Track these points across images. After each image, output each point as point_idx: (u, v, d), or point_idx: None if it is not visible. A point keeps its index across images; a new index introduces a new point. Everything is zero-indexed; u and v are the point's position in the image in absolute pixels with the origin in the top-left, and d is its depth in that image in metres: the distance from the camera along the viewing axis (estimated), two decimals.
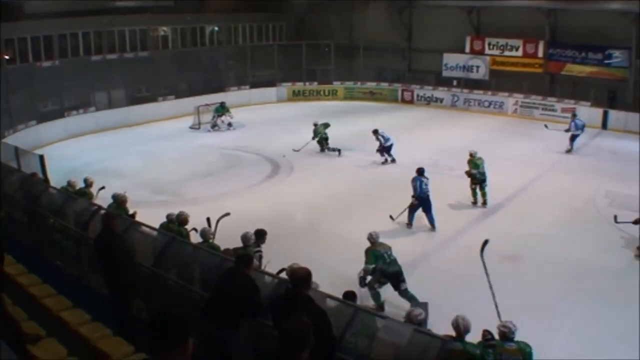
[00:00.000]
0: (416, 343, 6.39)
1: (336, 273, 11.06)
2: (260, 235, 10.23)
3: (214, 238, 10.44)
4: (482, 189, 16.88)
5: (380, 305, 10.64)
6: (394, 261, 10.77)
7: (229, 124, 27.32)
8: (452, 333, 6.84)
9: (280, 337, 4.38)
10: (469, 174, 16.92)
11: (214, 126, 27.20)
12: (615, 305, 11.22)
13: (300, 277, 6.08)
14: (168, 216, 10.90)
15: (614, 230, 15.03)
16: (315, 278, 6.35)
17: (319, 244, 13.51)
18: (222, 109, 27.47)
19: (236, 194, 17.11)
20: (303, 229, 14.98)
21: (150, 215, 10.98)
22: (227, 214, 11.19)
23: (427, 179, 14.98)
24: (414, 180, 15.08)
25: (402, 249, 12.75)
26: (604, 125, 29.12)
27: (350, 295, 8.32)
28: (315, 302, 6.04)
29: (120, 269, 7.79)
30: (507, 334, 7.10)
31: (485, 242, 9.52)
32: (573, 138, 23.30)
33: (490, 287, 8.83)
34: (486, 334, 7.04)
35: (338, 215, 15.52)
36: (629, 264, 13.20)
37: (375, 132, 21.47)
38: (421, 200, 14.97)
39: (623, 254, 13.82)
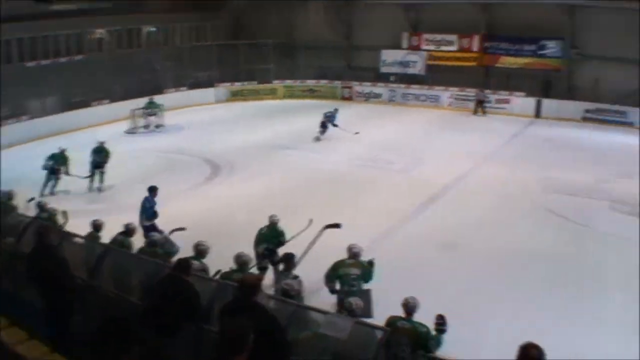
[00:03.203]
0: (358, 335, 6.46)
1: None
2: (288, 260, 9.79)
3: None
4: None
5: None
6: (357, 292, 9.12)
7: (157, 126, 26.91)
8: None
9: (218, 339, 4.39)
10: None
11: (147, 126, 26.72)
12: (551, 288, 11.56)
13: (248, 285, 6.08)
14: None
15: (549, 216, 15.53)
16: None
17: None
18: (151, 105, 26.96)
19: (176, 198, 16.69)
20: (244, 229, 14.76)
21: (87, 226, 10.80)
22: (183, 229, 11.13)
23: None
24: None
25: (344, 242, 12.90)
26: (537, 114, 29.89)
27: (289, 257, 9.14)
28: (266, 308, 6.06)
29: (57, 283, 7.68)
30: (407, 308, 7.33)
31: (336, 225, 9.95)
32: None
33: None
34: (438, 317, 7.19)
35: (279, 215, 15.41)
36: (564, 248, 13.58)
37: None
38: None
39: (557, 238, 14.20)
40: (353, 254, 9.87)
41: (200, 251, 9.25)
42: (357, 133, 23.45)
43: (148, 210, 12.92)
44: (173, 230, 11.01)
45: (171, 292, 6.78)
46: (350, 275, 9.61)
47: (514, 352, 4.86)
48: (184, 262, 7.23)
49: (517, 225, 15.16)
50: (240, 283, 6.19)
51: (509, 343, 4.94)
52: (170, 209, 14.75)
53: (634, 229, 14.40)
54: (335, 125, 23.81)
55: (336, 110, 24.70)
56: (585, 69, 30.30)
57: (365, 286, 9.52)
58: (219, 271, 8.70)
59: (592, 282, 11.93)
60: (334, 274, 9.68)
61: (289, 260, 9.66)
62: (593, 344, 9.47)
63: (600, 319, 10.41)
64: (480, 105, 30.70)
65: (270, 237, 11.24)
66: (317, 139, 23.63)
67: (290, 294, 7.55)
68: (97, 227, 10.67)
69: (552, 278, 12.04)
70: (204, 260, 9.33)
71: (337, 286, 9.59)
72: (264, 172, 19.78)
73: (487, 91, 31.25)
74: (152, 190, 13.26)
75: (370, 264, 9.84)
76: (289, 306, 7.03)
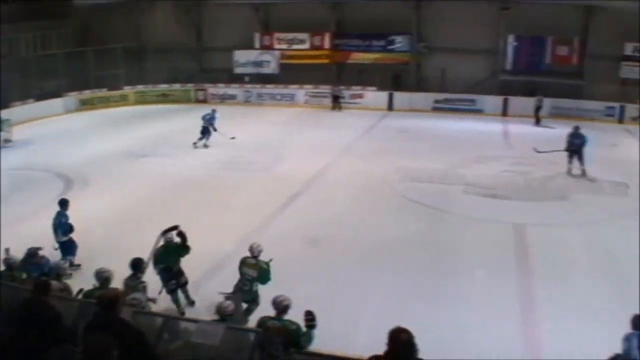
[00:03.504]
0: (230, 340, 6.38)
1: (158, 283, 10.78)
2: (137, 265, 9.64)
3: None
4: None
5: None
6: (248, 291, 9.65)
7: (6, 141, 25.29)
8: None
9: (82, 357, 4.23)
10: None
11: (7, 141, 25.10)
12: (417, 272, 11.88)
13: (108, 300, 5.83)
14: None
15: (408, 204, 16.01)
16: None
17: (119, 258, 12.77)
18: None
19: (29, 217, 15.72)
20: (102, 243, 14.17)
21: None
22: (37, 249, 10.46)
23: None
24: None
25: (209, 247, 12.73)
26: (390, 107, 30.82)
27: (138, 263, 9.14)
28: (129, 323, 5.84)
29: None
30: (277, 307, 7.37)
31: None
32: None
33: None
34: (307, 313, 7.19)
35: (139, 226, 14.81)
36: (425, 233, 14.00)
37: None
38: None
39: (418, 224, 14.61)
40: (253, 253, 9.93)
41: (106, 279, 8.56)
42: (233, 138, 22.77)
43: (64, 225, 12.50)
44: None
45: (31, 315, 6.41)
46: (246, 276, 9.74)
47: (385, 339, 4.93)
48: (42, 284, 6.78)
49: (378, 215, 15.48)
50: (99, 299, 5.95)
51: (381, 331, 4.98)
52: (25, 229, 13.96)
53: (487, 208, 15.14)
54: (214, 130, 22.92)
55: (214, 111, 23.85)
56: (432, 61, 31.73)
57: (260, 288, 9.65)
58: (80, 290, 8.32)
59: (454, 262, 12.41)
60: (239, 270, 9.85)
61: (138, 265, 9.56)
62: (460, 322, 9.85)
63: (465, 297, 10.84)
64: (337, 101, 31.28)
65: (166, 256, 10.70)
66: (205, 146, 22.74)
67: (224, 314, 7.50)
68: None
69: (417, 263, 12.39)
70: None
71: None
72: (119, 182, 18.91)
73: (342, 87, 31.84)
74: (64, 203, 12.83)
75: (267, 265, 9.81)
76: (158, 318, 6.86)
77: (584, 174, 18.54)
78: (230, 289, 9.79)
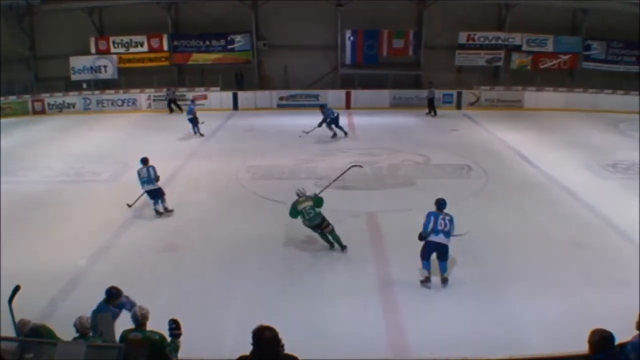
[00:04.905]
0: (94, 356, 6.15)
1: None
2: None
3: None
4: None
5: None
6: (314, 216, 12.45)
7: None
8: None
9: None
10: None
11: None
12: (278, 269, 11.96)
13: None
14: None
15: (262, 202, 16.03)
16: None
17: None
18: None
19: None
20: None
21: None
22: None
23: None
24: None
25: (61, 265, 12.14)
26: (235, 107, 30.80)
27: None
28: None
29: None
30: (137, 319, 7.24)
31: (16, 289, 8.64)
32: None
33: None
34: (171, 322, 7.03)
35: None
36: (281, 229, 13.98)
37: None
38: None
39: (274, 222, 14.51)
40: (301, 193, 12.85)
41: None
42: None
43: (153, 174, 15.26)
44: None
45: None
46: (307, 208, 12.51)
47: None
48: None
49: (233, 215, 15.36)
50: None
51: (247, 331, 4.93)
52: None
53: (340, 200, 15.41)
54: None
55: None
56: (274, 59, 32.01)
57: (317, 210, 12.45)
58: None
59: (314, 255, 12.66)
60: (295, 211, 12.64)
61: None
62: (324, 314, 9.96)
63: (326, 287, 11.06)
64: (175, 103, 30.93)
65: None
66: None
67: (84, 329, 7.33)
68: None
69: (278, 259, 12.47)
70: None
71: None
72: None
73: (181, 88, 31.74)
74: (146, 160, 15.56)
75: (315, 194, 13.00)
76: (15, 342, 6.54)
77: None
78: (89, 305, 9.36)
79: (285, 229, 13.85)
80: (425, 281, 10.89)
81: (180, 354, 7.01)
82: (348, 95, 30.82)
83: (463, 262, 11.65)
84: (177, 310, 7.55)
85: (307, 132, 23.13)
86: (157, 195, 15.39)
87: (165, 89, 31.59)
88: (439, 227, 10.64)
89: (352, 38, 31.42)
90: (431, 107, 28.83)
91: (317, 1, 30.39)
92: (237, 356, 5.10)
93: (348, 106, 30.40)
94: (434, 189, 15.36)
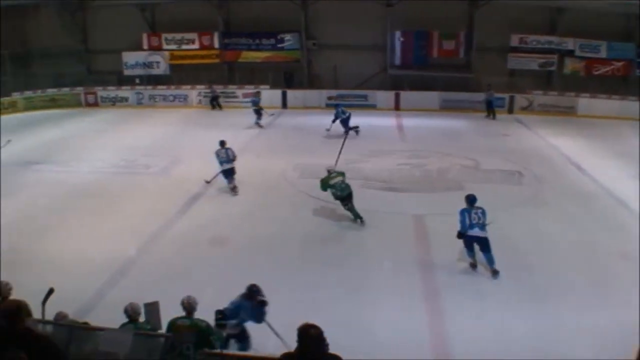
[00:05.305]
0: (140, 345, 6.24)
1: (58, 293, 10.26)
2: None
3: None
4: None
5: None
6: (345, 188, 14.13)
7: None
8: None
9: None
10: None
11: None
12: (323, 267, 11.95)
13: (10, 311, 5.52)
14: None
15: (308, 200, 16.01)
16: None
17: (27, 268, 12.11)
18: None
19: None
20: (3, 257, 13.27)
21: None
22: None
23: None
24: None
25: (111, 254, 12.36)
26: (284, 105, 30.91)
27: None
28: (39, 333, 5.58)
29: None
30: (186, 307, 7.47)
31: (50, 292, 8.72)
32: None
33: None
34: (217, 313, 7.20)
35: (39, 236, 14.03)
36: (326, 227, 14.17)
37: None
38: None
39: (319, 220, 14.74)
40: (332, 169, 14.82)
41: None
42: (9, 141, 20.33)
43: (231, 155, 17.13)
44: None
45: None
46: (339, 182, 14.21)
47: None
48: None
49: (280, 212, 15.46)
50: (3, 311, 5.66)
51: (291, 328, 4.94)
52: None
53: (387, 201, 15.36)
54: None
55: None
56: (323, 58, 31.95)
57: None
58: None
59: (358, 255, 12.59)
60: (327, 185, 14.33)
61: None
62: (367, 315, 9.94)
63: (370, 289, 10.99)
64: (216, 101, 31.37)
65: None
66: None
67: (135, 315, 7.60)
68: None
69: (323, 257, 12.48)
70: None
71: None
72: (13, 192, 17.94)
73: (231, 86, 32.15)
74: (224, 142, 17.54)
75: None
76: (64, 327, 6.68)
77: None
78: (137, 294, 9.50)
79: (331, 228, 13.95)
80: (472, 267, 11.64)
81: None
82: (397, 97, 30.64)
83: (511, 269, 11.52)
84: (222, 302, 7.61)
85: (328, 130, 23.75)
86: (231, 173, 16.99)
87: (208, 87, 31.93)
88: (474, 221, 11.27)
89: (401, 39, 31.25)
90: (490, 109, 28.49)
91: (367, 1, 30.31)
92: (280, 352, 5.12)
93: (397, 107, 30.26)
94: (483, 193, 15.10)
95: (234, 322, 8.02)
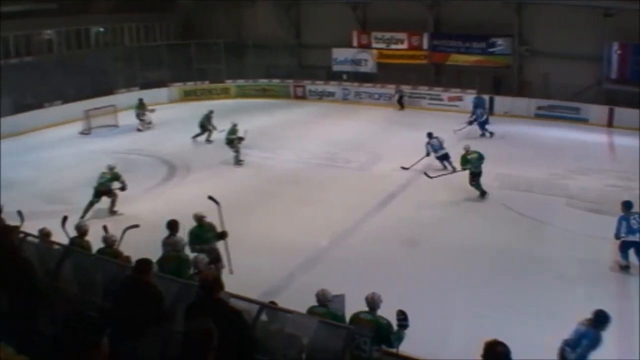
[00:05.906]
0: (323, 334, 6.49)
1: (252, 271, 11.02)
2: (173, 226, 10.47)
3: (118, 245, 10.08)
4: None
5: None
6: (478, 165, 16.71)
7: (147, 122, 26.76)
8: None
9: (183, 340, 4.34)
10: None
11: (149, 123, 26.79)
12: (512, 284, 11.70)
13: (209, 281, 6.00)
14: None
15: (506, 212, 15.76)
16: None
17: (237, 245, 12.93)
18: (140, 107, 26.76)
19: (133, 199, 16.33)
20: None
21: (45, 226, 10.47)
22: (137, 226, 10.80)
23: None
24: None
25: (306, 241, 12.92)
26: (491, 111, 30.12)
27: (173, 224, 10.27)
28: (229, 304, 6.00)
29: (21, 285, 7.39)
30: (370, 303, 7.67)
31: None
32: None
33: None
34: (399, 313, 7.29)
35: (242, 214, 14.98)
36: (521, 243, 13.81)
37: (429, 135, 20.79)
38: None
39: (514, 234, 14.43)
40: (469, 148, 17.28)
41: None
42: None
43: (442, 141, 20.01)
44: (127, 228, 10.66)
45: (133, 295, 6.59)
46: (474, 159, 16.76)
47: (477, 348, 4.87)
48: (144, 264, 6.86)
49: (475, 220, 15.40)
50: (201, 281, 6.13)
51: (469, 340, 4.93)
52: (130, 209, 14.61)
53: (591, 225, 14.61)
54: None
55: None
56: (534, 65, 30.83)
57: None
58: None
59: (550, 275, 12.19)
60: (466, 160, 16.89)
61: (174, 226, 10.62)
62: (554, 339, 9.58)
63: (559, 313, 10.46)
64: (401, 101, 31.39)
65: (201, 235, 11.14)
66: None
67: (325, 300, 7.87)
68: (82, 232, 10.40)
69: (511, 272, 12.26)
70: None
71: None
72: (220, 172, 19.54)
73: (436, 88, 31.91)
74: (432, 134, 20.25)
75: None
76: (254, 304, 7.03)
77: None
78: (325, 282, 9.76)
79: (524, 244, 13.57)
80: (624, 268, 12.19)
81: (401, 347, 7.20)
82: (610, 112, 28.75)
83: None
84: (405, 303, 7.70)
85: (459, 130, 24.35)
86: (446, 157, 19.46)
87: (395, 86, 31.99)
88: (634, 227, 11.83)
89: (618, 51, 29.41)
90: None
91: (583, 9, 28.79)
92: None
93: (610, 124, 28.40)
94: None
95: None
